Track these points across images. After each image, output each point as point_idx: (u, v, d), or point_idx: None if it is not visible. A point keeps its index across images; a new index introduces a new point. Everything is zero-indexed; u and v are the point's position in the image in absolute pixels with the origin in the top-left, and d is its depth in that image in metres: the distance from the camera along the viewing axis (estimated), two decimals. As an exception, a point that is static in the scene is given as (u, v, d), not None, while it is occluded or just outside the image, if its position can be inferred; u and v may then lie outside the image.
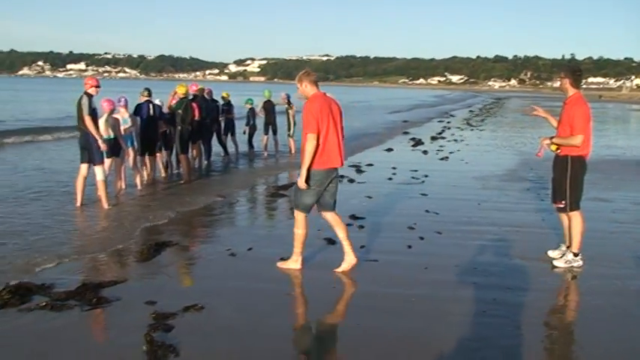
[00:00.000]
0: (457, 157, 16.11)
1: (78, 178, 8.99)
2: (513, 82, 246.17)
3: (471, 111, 46.35)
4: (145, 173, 11.20)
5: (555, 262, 6.55)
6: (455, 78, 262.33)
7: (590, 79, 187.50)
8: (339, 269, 6.17)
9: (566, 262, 6.48)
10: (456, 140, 21.17)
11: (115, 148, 9.80)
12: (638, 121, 43.88)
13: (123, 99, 10.75)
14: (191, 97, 12.27)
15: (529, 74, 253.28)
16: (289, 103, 16.47)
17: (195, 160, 13.01)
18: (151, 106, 10.97)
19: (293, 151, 16.10)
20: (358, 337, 4.65)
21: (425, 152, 17.24)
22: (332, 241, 7.18)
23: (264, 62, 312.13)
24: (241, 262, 6.52)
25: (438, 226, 8.13)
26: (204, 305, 5.11)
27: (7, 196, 9.70)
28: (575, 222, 6.46)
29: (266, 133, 15.98)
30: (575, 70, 6.61)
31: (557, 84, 7.95)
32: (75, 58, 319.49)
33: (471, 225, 8.27)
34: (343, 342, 4.61)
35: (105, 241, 7.33)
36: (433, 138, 21.62)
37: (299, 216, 6.12)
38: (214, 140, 14.47)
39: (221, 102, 15.00)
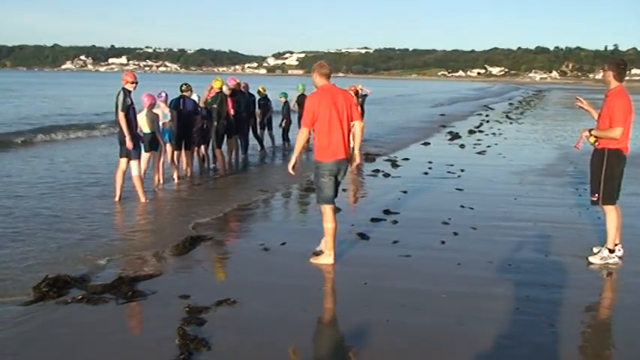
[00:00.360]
0: (494, 151, 15.88)
1: (117, 172, 9.19)
2: (555, 73, 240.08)
3: (510, 104, 45.52)
4: (184, 167, 11.38)
5: (590, 259, 6.42)
6: (495, 70, 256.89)
7: (634, 71, 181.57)
8: (312, 258, 6.34)
9: (601, 259, 6.36)
10: (494, 134, 20.85)
11: (153, 142, 9.97)
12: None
13: (164, 93, 10.96)
14: (229, 91, 12.39)
15: (570, 66, 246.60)
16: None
17: (231, 154, 13.13)
18: (181, 101, 11.14)
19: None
20: (388, 333, 4.65)
21: (462, 146, 17.05)
22: (365, 236, 7.20)
23: (303, 55, 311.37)
24: (274, 257, 6.58)
25: (472, 221, 8.05)
26: (237, 300, 5.18)
27: (44, 192, 9.87)
28: (609, 217, 6.34)
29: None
30: (619, 63, 6.45)
31: (599, 76, 7.75)
32: (116, 52, 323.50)
33: (506, 220, 8.17)
34: (373, 338, 4.61)
35: (141, 235, 7.50)
36: (471, 132, 21.35)
37: (325, 209, 6.24)
38: (250, 135, 14.57)
39: (257, 96, 15.10)
